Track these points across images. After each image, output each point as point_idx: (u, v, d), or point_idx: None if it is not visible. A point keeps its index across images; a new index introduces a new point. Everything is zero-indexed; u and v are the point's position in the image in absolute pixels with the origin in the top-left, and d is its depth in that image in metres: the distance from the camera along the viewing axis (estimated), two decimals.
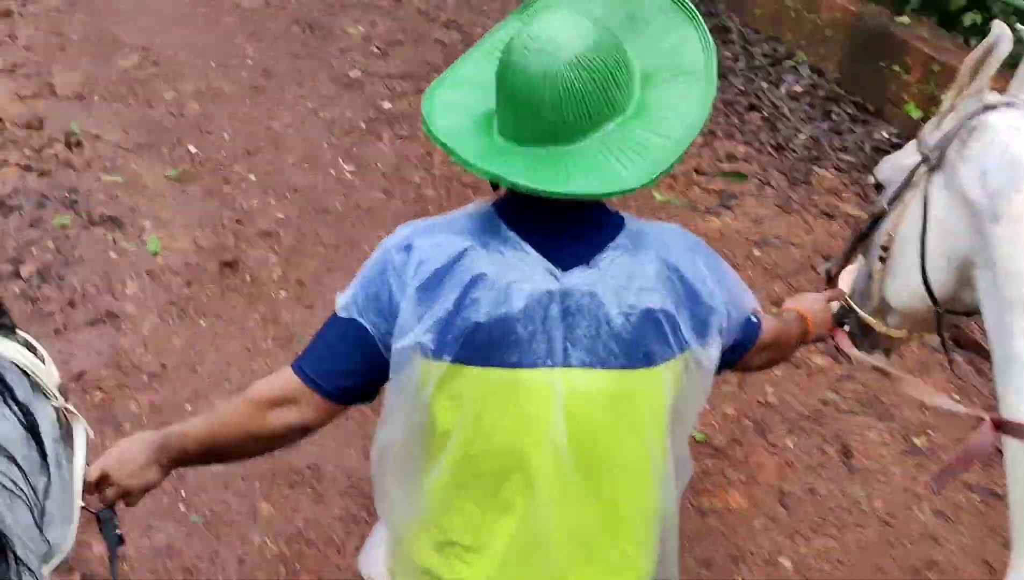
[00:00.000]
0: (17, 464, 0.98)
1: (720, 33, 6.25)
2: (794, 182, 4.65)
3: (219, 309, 3.56)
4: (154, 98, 4.93)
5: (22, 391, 1.04)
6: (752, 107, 5.35)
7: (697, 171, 4.64)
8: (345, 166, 4.53)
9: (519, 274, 1.30)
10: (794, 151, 4.94)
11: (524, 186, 1.23)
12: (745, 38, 6.20)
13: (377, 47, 5.66)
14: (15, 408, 1.01)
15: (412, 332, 1.30)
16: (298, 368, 1.42)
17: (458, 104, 1.35)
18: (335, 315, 1.40)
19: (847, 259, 1.88)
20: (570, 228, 1.33)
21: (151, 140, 4.59)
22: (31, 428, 1.03)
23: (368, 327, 1.36)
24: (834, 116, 5.29)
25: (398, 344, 1.32)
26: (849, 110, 5.32)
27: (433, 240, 1.33)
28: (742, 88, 5.56)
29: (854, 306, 1.85)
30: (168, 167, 4.41)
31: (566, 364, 1.31)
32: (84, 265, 3.72)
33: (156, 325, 3.45)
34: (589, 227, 1.34)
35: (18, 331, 1.14)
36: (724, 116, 5.22)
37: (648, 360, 1.32)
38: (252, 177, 4.38)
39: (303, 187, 4.34)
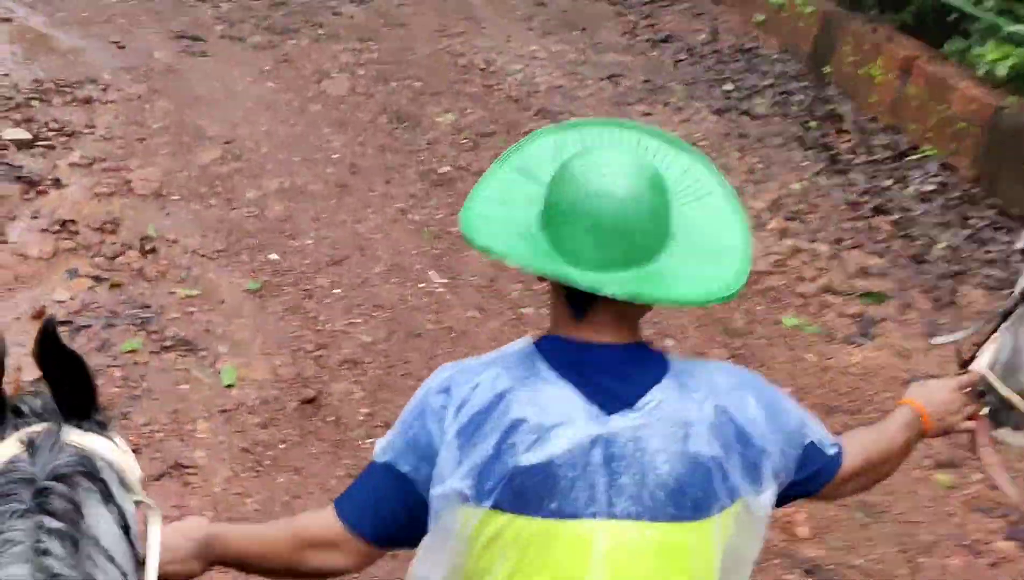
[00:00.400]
0: (118, 565, 0.99)
1: (833, 121, 5.69)
2: (939, 303, 4.02)
3: (298, 460, 3.07)
4: (235, 197, 4.54)
5: (116, 490, 1.04)
6: (879, 210, 4.74)
7: (828, 289, 4.05)
8: (436, 278, 4.05)
9: (560, 418, 1.24)
10: (933, 264, 4.32)
11: (649, 296, 1.24)
12: (861, 128, 5.61)
13: (467, 138, 5.22)
14: (113, 508, 1.02)
15: (450, 478, 1.25)
16: (340, 510, 1.37)
17: (508, 236, 1.30)
18: (373, 460, 1.36)
19: (986, 340, 1.67)
20: (614, 369, 1.27)
21: (230, 245, 4.18)
22: (125, 527, 1.03)
23: (407, 472, 1.31)
24: (972, 221, 4.65)
25: (436, 490, 1.27)
26: (989, 215, 4.68)
27: (472, 382, 1.28)
28: (865, 186, 4.96)
29: (995, 383, 1.61)
30: (247, 278, 3.98)
31: (610, 515, 1.23)
32: (152, 400, 3.28)
33: (228, 480, 2.98)
34: (633, 368, 1.29)
35: (109, 426, 1.15)
36: (850, 221, 4.62)
37: (697, 511, 1.24)
38: (336, 291, 3.92)
39: (391, 303, 3.86)
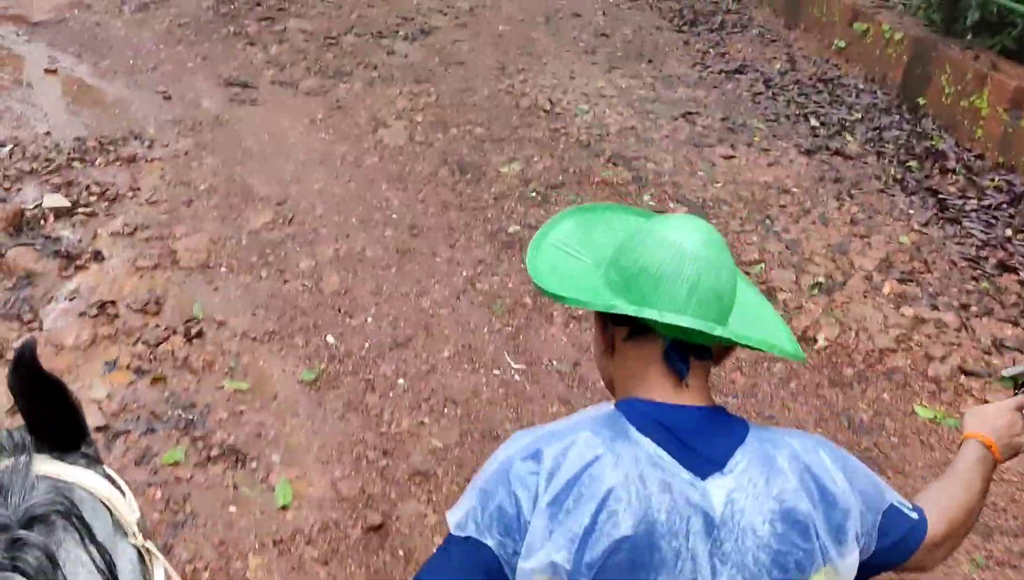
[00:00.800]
0: None
1: (935, 159, 5.04)
2: None
3: None
4: (288, 267, 4.05)
5: (102, 529, 0.94)
6: (1003, 266, 4.10)
7: (964, 370, 3.42)
8: (512, 363, 3.51)
9: (658, 484, 1.12)
10: None
11: (773, 344, 1.24)
12: (968, 167, 4.96)
13: (536, 191, 4.67)
14: (93, 550, 0.92)
15: (542, 551, 1.10)
16: None
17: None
18: (450, 534, 1.18)
19: None
20: (702, 430, 1.19)
21: (283, 326, 3.69)
22: (109, 570, 0.93)
23: (492, 547, 1.13)
24: None
25: (526, 564, 1.11)
26: None
27: (562, 446, 1.15)
28: (983, 237, 4.32)
29: None
30: (302, 365, 3.48)
31: None
32: (197, 528, 2.78)
33: None
34: (718, 429, 1.20)
35: (102, 462, 1.05)
36: (973, 280, 3.99)
37: (800, 570, 1.14)
38: (401, 382, 3.40)
39: (463, 396, 3.33)
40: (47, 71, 5.92)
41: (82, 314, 3.68)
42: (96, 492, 0.96)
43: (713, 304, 1.18)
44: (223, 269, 4.04)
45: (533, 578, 1.11)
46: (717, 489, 1.14)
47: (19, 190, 4.53)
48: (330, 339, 3.63)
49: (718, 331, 1.16)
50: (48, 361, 3.44)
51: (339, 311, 3.79)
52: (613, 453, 1.14)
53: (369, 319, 3.75)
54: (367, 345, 3.59)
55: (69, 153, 4.85)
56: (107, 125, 5.22)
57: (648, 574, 1.10)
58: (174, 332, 3.61)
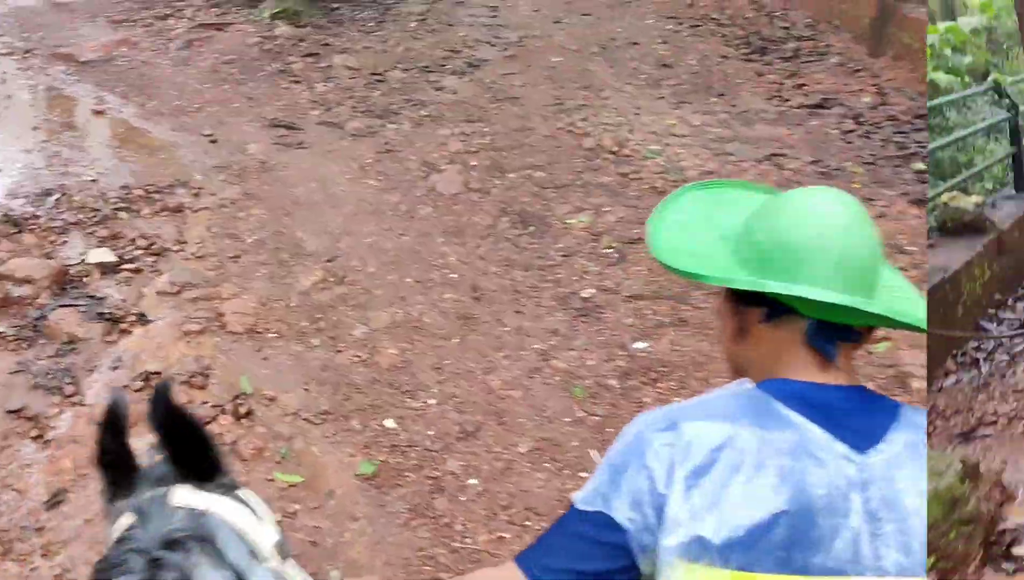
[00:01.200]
0: None
1: None
2: None
3: None
4: (340, 334, 3.68)
5: (236, 555, 0.97)
6: None
7: None
8: (600, 462, 3.09)
9: (809, 458, 1.05)
10: None
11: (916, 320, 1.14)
12: None
13: (610, 247, 4.25)
14: (227, 574, 0.95)
15: (683, 527, 1.03)
16: (525, 565, 1.10)
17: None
18: (575, 508, 1.12)
19: None
20: (855, 407, 1.11)
21: (337, 405, 3.32)
22: None
23: (621, 521, 1.07)
24: None
25: (668, 541, 1.04)
26: None
27: (702, 418, 1.10)
28: None
29: None
30: (359, 455, 3.11)
31: (879, 571, 1.02)
32: None
33: None
34: (871, 406, 1.12)
35: (239, 489, 1.06)
36: None
37: None
38: (472, 482, 3.00)
39: (547, 505, 2.91)
40: (95, 112, 5.66)
41: (125, 387, 3.34)
42: (230, 519, 0.98)
43: (859, 281, 1.11)
44: (272, 335, 3.69)
45: (676, 556, 1.03)
46: (877, 465, 1.06)
47: (64, 243, 4.25)
48: (389, 424, 3.24)
49: (873, 308, 1.07)
50: (90, 443, 3.10)
51: (397, 390, 3.41)
52: (759, 427, 1.07)
53: (432, 401, 3.35)
54: (431, 433, 3.20)
55: (115, 203, 4.55)
56: (153, 172, 4.92)
57: (804, 552, 1.01)
58: (222, 410, 3.26)
